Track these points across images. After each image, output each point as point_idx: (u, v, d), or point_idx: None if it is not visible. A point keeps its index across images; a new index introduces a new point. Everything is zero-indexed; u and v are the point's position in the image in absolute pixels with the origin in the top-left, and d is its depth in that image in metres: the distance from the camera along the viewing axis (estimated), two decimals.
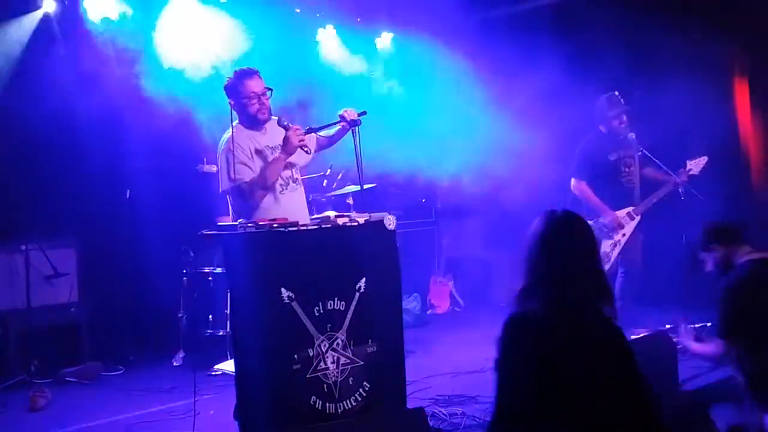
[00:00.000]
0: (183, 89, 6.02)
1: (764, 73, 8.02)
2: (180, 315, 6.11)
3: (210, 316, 5.93)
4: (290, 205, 4.19)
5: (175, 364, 6.12)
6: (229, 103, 4.21)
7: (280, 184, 4.21)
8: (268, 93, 4.21)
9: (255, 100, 4.17)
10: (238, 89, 4.18)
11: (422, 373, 5.28)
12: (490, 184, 7.56)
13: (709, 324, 5.85)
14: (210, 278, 5.99)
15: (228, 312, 5.88)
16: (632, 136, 6.25)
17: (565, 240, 2.48)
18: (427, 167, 7.54)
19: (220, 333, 5.91)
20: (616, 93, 6.22)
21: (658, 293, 6.94)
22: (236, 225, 3.70)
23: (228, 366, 4.11)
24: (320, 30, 7.32)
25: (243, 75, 4.19)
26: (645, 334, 6.10)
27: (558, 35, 7.48)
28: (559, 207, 2.69)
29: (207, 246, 6.07)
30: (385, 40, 7.66)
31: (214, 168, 6.38)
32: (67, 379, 5.69)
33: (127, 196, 6.49)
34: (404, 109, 7.22)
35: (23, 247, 5.78)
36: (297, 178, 4.33)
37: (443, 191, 8.31)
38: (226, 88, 4.23)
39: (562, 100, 6.85)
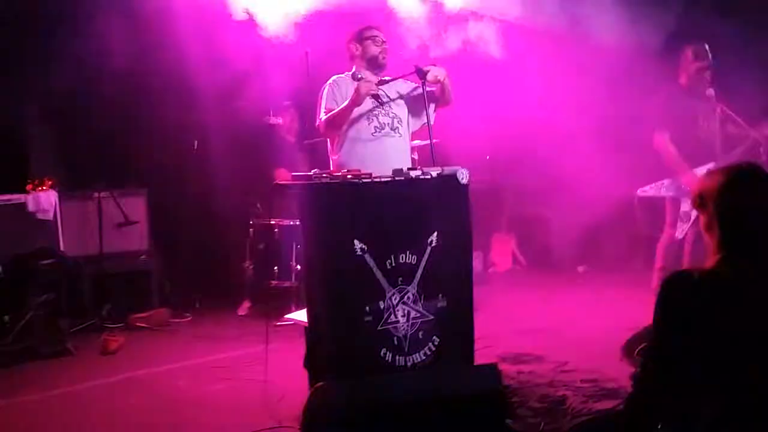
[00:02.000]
0: (252, 41, 5.98)
1: None
2: (246, 265, 6.17)
3: (276, 268, 5.97)
4: (381, 150, 4.31)
5: (240, 313, 6.21)
6: (349, 49, 4.51)
7: (375, 127, 4.35)
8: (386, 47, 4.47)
9: (379, 42, 4.44)
10: (363, 33, 4.47)
11: (485, 331, 5.23)
12: (556, 143, 7.45)
13: None
14: (276, 230, 6.01)
15: (293, 264, 5.95)
16: (711, 92, 6.02)
17: (755, 194, 2.27)
18: (493, 122, 7.44)
19: (286, 284, 5.95)
20: (706, 46, 5.96)
21: None
22: (310, 175, 3.68)
23: (299, 316, 4.13)
24: None
25: (368, 25, 4.55)
26: None
27: None
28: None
29: (274, 197, 6.10)
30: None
31: (280, 120, 6.42)
32: (137, 324, 5.83)
33: (195, 147, 6.56)
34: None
35: (96, 195, 5.90)
36: (397, 128, 4.40)
37: (506, 147, 8.17)
38: (351, 34, 4.53)
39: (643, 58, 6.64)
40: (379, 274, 3.71)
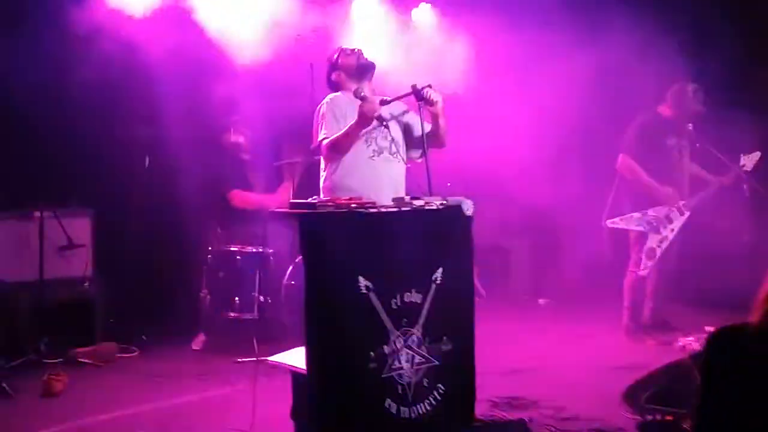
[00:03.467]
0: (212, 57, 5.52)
1: None
2: (202, 295, 5.65)
3: (236, 299, 5.49)
4: (379, 174, 4.04)
5: (194, 347, 5.68)
6: (333, 78, 4.27)
7: (374, 150, 4.06)
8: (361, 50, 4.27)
9: (348, 52, 4.24)
10: (333, 60, 4.27)
11: None
12: (515, 171, 7.26)
13: None
14: (239, 257, 5.54)
15: (256, 295, 5.50)
16: (690, 126, 5.93)
17: None
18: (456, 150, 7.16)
19: (247, 317, 5.48)
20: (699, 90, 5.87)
21: (697, 293, 6.65)
22: (313, 203, 3.29)
23: (285, 358, 3.70)
24: None
25: (331, 52, 4.34)
26: (692, 340, 5.84)
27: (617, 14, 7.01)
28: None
29: (236, 222, 5.65)
30: (422, 12, 7.20)
31: (241, 138, 5.98)
32: (79, 360, 5.24)
33: (146, 164, 6.03)
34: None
35: (36, 215, 5.30)
36: (396, 152, 4.12)
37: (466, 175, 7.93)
38: (327, 71, 4.31)
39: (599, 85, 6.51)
40: (383, 315, 3.34)
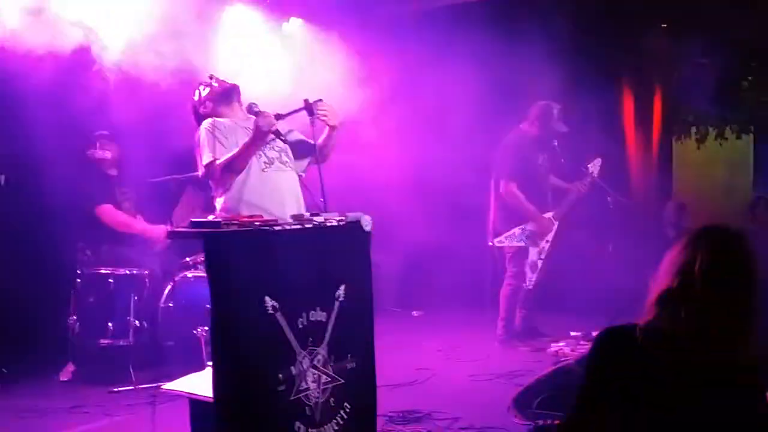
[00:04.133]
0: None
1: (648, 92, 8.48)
2: (71, 322, 5.26)
3: (109, 324, 5.16)
4: (273, 185, 3.95)
5: (62, 378, 5.28)
6: (201, 111, 4.17)
7: (264, 162, 3.96)
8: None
9: (209, 82, 4.20)
10: (196, 92, 4.22)
11: None
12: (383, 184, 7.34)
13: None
14: (111, 280, 5.22)
15: (131, 319, 5.21)
16: (555, 143, 6.25)
17: (733, 266, 2.05)
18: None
19: (121, 343, 5.17)
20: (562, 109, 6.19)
21: (569, 300, 6.95)
22: (217, 222, 3.15)
23: (182, 385, 3.51)
24: (227, 8, 6.67)
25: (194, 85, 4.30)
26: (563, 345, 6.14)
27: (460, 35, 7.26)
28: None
29: (107, 243, 5.32)
30: (293, 26, 7.15)
31: (108, 154, 5.67)
32: None
33: (1, 182, 5.58)
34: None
35: None
36: (286, 161, 4.05)
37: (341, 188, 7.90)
38: (195, 105, 4.22)
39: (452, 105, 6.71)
40: (290, 335, 3.25)
